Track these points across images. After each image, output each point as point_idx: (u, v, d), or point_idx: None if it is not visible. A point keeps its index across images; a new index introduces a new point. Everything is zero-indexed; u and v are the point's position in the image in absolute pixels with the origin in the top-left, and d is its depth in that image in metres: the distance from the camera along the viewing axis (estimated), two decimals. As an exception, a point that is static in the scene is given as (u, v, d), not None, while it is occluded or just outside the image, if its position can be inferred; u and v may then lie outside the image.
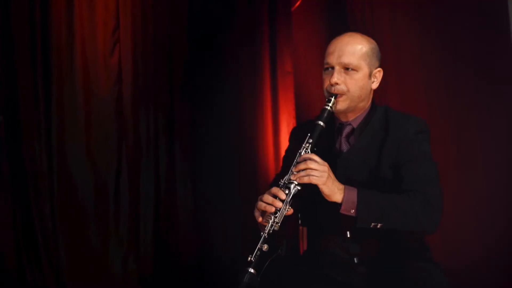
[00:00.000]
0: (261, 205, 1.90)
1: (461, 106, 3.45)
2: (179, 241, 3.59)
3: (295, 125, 3.90)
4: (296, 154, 1.94)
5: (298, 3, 4.19)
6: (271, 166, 3.82)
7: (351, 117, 2.08)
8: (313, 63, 4.02)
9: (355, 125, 2.08)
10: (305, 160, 1.90)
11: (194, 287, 3.55)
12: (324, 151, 2.01)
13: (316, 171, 1.88)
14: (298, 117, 3.96)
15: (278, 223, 1.88)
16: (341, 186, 1.91)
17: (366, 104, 2.08)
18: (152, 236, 3.51)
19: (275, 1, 4.04)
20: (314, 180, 1.88)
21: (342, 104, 2.03)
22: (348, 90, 2.02)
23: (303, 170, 1.89)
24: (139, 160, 3.53)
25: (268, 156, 3.85)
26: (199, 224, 3.64)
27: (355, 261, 2.01)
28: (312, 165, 1.89)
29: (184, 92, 3.72)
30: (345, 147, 2.07)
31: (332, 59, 2.03)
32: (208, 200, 3.66)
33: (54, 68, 3.33)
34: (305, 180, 1.89)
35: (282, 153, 3.75)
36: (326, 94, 2.03)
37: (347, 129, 2.08)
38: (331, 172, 1.92)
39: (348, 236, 1.99)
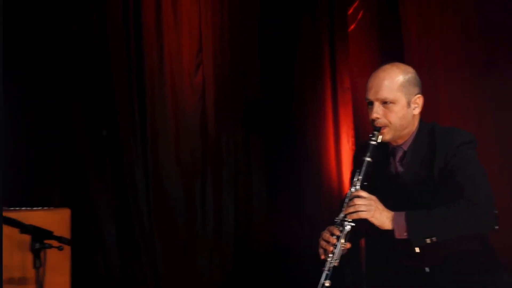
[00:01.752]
0: (321, 243, 2.07)
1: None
2: (254, 242, 4.04)
3: (353, 137, 4.30)
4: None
5: (354, 25, 4.60)
6: (334, 177, 4.20)
7: (400, 142, 2.19)
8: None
9: (405, 147, 2.18)
10: (353, 197, 2.05)
11: (268, 283, 3.98)
12: (381, 176, 2.18)
13: (363, 206, 2.02)
14: (356, 129, 4.35)
15: (337, 259, 2.03)
16: (390, 214, 2.04)
17: (411, 128, 2.18)
18: (233, 237, 3.95)
19: (334, 23, 4.43)
20: (363, 215, 2.03)
21: (386, 136, 2.14)
22: (390, 122, 2.12)
23: (352, 206, 2.03)
24: (221, 170, 3.96)
25: (330, 167, 4.23)
26: (272, 228, 4.08)
27: (427, 270, 2.16)
28: (359, 201, 2.03)
29: (257, 109, 4.15)
30: (400, 169, 2.19)
31: (370, 95, 2.13)
32: (280, 206, 4.10)
33: (147, 89, 3.79)
34: (355, 216, 2.03)
35: (344, 164, 4.19)
36: (372, 125, 2.16)
37: (399, 153, 2.20)
38: (379, 204, 2.05)
39: (418, 251, 2.07)
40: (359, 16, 4.59)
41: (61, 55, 3.67)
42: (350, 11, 4.57)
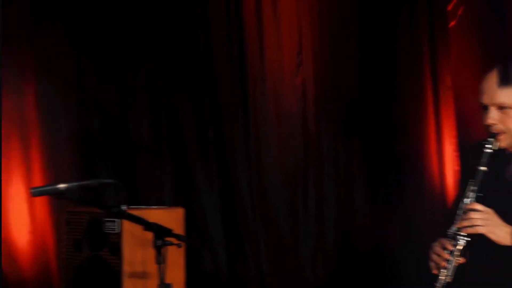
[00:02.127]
0: (433, 256, 1.95)
1: None
2: (356, 242, 4.06)
3: (456, 137, 4.22)
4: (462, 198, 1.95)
5: (454, 21, 4.49)
6: (436, 178, 4.14)
7: None
8: (471, 77, 4.29)
9: None
10: (468, 210, 1.91)
11: (369, 283, 3.98)
12: (495, 185, 1.99)
13: (480, 220, 1.88)
14: (459, 129, 4.26)
15: (451, 275, 1.92)
16: (509, 229, 1.91)
17: None
18: (335, 237, 3.98)
19: (433, 20, 4.36)
20: (480, 230, 1.89)
21: (503, 143, 1.98)
22: (508, 128, 1.96)
23: (467, 220, 1.89)
24: (322, 170, 4.00)
25: (432, 168, 4.17)
26: (373, 229, 4.08)
27: None
28: (475, 215, 1.89)
29: (357, 109, 4.16)
30: None
31: (485, 99, 1.98)
32: (381, 207, 4.09)
33: (250, 91, 3.89)
34: (470, 231, 1.90)
35: (446, 165, 4.12)
36: (487, 130, 2.00)
37: None
38: (496, 217, 1.91)
39: None
40: (459, 12, 4.49)
41: (168, 59, 3.84)
42: (450, 7, 4.47)
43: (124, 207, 2.16)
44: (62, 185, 1.91)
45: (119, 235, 2.77)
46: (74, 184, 1.94)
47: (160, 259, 2.25)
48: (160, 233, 2.28)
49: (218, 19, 3.86)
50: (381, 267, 4.00)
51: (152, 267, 2.35)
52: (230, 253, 3.77)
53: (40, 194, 1.91)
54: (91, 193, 3.21)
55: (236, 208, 3.79)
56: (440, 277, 1.93)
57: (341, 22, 4.14)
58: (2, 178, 3.43)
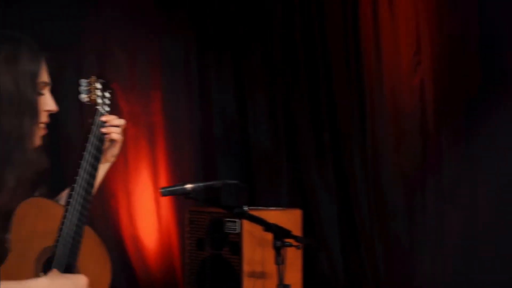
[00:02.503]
0: None
1: None
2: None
3: None
4: None
5: None
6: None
7: None
8: None
9: None
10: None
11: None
12: None
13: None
14: None
15: None
16: None
17: None
18: (454, 241, 3.84)
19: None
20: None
21: None
22: None
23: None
24: (441, 170, 3.88)
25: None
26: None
27: None
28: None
29: (476, 110, 3.99)
30: None
31: None
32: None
33: (366, 92, 3.85)
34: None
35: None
36: None
37: None
38: None
39: None
40: None
41: (285, 63, 3.92)
42: None
43: (245, 208, 2.23)
44: (189, 186, 2.02)
45: (239, 235, 2.85)
46: (200, 184, 2.03)
47: (279, 260, 2.30)
48: (280, 234, 2.33)
49: (334, 21, 3.87)
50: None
51: (271, 268, 2.41)
52: (346, 254, 3.76)
53: (169, 194, 2.02)
54: (212, 194, 3.35)
55: (352, 210, 3.77)
56: None
57: (461, 19, 4.00)
58: (131, 178, 3.67)
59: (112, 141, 1.86)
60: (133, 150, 3.69)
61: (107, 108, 1.88)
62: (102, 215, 3.61)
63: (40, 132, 1.67)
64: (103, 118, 1.82)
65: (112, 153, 1.89)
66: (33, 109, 1.62)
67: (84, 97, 1.84)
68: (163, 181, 3.72)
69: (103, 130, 1.81)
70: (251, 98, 4.01)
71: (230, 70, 4.08)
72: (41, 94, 1.67)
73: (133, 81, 3.76)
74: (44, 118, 1.68)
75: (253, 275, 2.85)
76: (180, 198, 2.06)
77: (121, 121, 1.87)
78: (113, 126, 1.84)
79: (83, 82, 1.85)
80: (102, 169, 1.89)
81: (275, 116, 3.93)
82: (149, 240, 3.69)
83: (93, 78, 1.87)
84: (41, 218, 1.65)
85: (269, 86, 3.95)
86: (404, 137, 3.87)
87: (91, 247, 1.78)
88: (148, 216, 3.69)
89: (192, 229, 3.08)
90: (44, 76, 1.67)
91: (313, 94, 3.88)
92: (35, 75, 1.63)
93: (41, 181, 1.80)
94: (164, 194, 2.01)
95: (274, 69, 3.95)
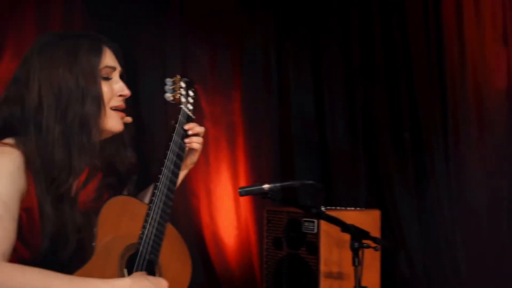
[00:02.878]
0: None
1: None
2: None
3: None
4: None
5: None
6: None
7: None
8: None
9: None
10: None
11: None
12: None
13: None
14: None
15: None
16: None
17: None
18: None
19: None
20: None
21: None
22: None
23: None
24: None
25: None
26: None
27: None
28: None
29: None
30: None
31: None
32: None
33: (449, 92, 3.72)
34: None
35: None
36: None
37: None
38: None
39: None
40: None
41: (364, 61, 3.88)
42: None
43: (323, 208, 2.23)
44: (266, 186, 2.05)
45: (316, 235, 2.86)
46: (277, 184, 2.06)
47: (357, 261, 2.28)
48: (357, 235, 2.31)
49: (415, 15, 3.77)
50: None
51: (348, 269, 2.40)
52: (426, 256, 3.66)
53: (247, 193, 2.05)
54: (289, 193, 3.37)
55: (433, 209, 3.67)
56: None
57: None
58: (212, 178, 3.75)
59: (192, 149, 1.91)
60: (214, 150, 3.77)
61: (191, 107, 1.93)
62: (184, 214, 3.70)
63: (113, 117, 1.69)
64: (186, 126, 1.86)
65: (192, 160, 1.94)
66: (95, 96, 1.65)
67: (168, 96, 1.89)
68: (242, 181, 3.78)
69: (185, 140, 1.86)
70: (329, 97, 4.00)
71: (309, 69, 4.08)
72: (108, 79, 1.70)
73: (214, 81, 3.84)
74: (116, 102, 1.71)
75: (330, 275, 2.85)
76: (258, 198, 2.09)
77: (202, 129, 1.91)
78: (195, 134, 1.88)
79: (168, 81, 1.90)
80: (181, 174, 1.92)
81: (353, 115, 3.90)
82: (229, 238, 3.76)
83: (178, 77, 1.92)
84: (126, 215, 1.70)
85: (348, 85, 3.92)
86: (488, 133, 3.73)
87: (173, 244, 1.82)
88: (228, 214, 3.76)
89: (269, 228, 3.11)
90: (108, 61, 1.70)
91: (392, 91, 3.81)
92: (95, 63, 1.66)
93: (130, 177, 1.85)
94: (242, 194, 2.04)
95: (353, 68, 3.91)
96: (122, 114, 1.74)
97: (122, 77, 1.76)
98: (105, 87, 1.68)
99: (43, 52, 1.64)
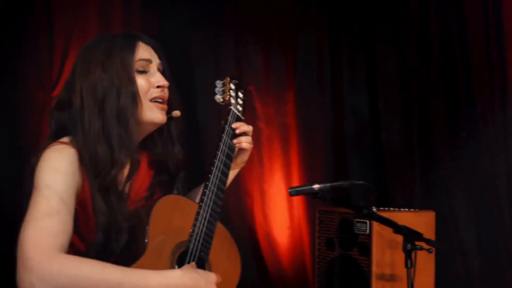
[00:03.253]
0: None
1: None
2: None
3: None
4: None
5: None
6: None
7: None
8: None
9: None
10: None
11: None
12: None
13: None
14: None
15: None
16: None
17: None
18: None
19: None
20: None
21: None
22: None
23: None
24: None
25: None
26: None
27: None
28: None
29: None
30: None
31: None
32: None
33: (509, 85, 3.60)
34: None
35: None
36: None
37: None
38: None
39: None
40: None
41: (421, 63, 3.81)
42: None
43: (374, 209, 2.22)
44: (316, 186, 2.06)
45: (369, 236, 2.84)
46: (327, 184, 2.06)
47: (410, 263, 2.25)
48: (410, 236, 2.28)
49: (475, 14, 3.66)
50: None
51: (401, 271, 2.37)
52: (483, 258, 3.56)
53: (297, 193, 2.07)
54: (342, 194, 3.36)
55: (492, 210, 3.56)
56: None
57: None
58: (266, 178, 3.78)
59: (242, 149, 1.96)
60: (267, 151, 3.80)
61: (240, 108, 1.98)
62: (238, 213, 3.74)
63: (152, 109, 1.76)
64: (233, 125, 1.91)
65: (242, 159, 1.99)
66: (129, 89, 1.71)
67: (218, 97, 1.95)
68: (295, 181, 3.79)
69: (234, 141, 1.91)
70: (383, 97, 3.95)
71: (363, 69, 4.05)
72: (144, 72, 1.77)
73: (267, 83, 3.86)
74: (154, 94, 1.77)
75: (382, 277, 2.82)
76: (311, 198, 2.11)
77: (249, 128, 1.96)
78: (243, 133, 1.93)
79: (218, 83, 1.95)
80: (232, 173, 1.97)
81: (408, 115, 3.83)
82: (282, 237, 3.78)
83: (228, 79, 1.97)
84: (176, 214, 1.75)
85: (403, 85, 3.86)
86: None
87: (223, 243, 1.86)
88: (281, 214, 3.78)
89: (321, 228, 3.11)
90: (142, 55, 1.76)
91: (449, 91, 3.72)
92: (128, 58, 1.74)
93: (178, 173, 1.91)
94: (292, 194, 2.06)
95: (408, 68, 3.85)
96: (163, 105, 1.80)
97: (163, 72, 1.82)
98: (141, 80, 1.75)
99: (84, 56, 1.75)
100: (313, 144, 3.89)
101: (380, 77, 3.98)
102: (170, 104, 1.82)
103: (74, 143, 1.66)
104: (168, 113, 1.83)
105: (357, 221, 2.89)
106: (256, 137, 3.74)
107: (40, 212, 1.52)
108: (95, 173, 1.66)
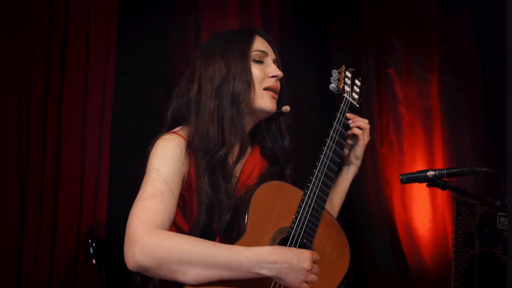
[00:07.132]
0: None
1: None
2: None
3: None
4: None
5: None
6: None
7: None
8: None
9: None
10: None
11: None
12: None
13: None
14: None
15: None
16: None
17: None
18: None
19: None
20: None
21: None
22: None
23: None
24: None
25: None
26: None
27: None
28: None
29: None
30: None
31: None
32: None
33: None
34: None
35: None
36: None
37: None
38: None
39: None
40: None
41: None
42: None
43: (506, 200, 1.96)
44: (431, 172, 1.90)
45: (514, 232, 2.51)
46: (443, 171, 1.88)
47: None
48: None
49: None
50: None
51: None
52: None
53: (409, 181, 1.92)
54: (481, 182, 3.02)
55: None
56: None
57: None
58: (406, 166, 3.54)
59: (355, 138, 1.95)
60: (408, 137, 3.57)
61: (356, 96, 1.97)
62: (376, 202, 3.63)
63: (264, 97, 1.84)
64: (348, 115, 1.92)
65: (355, 154, 1.99)
66: (244, 76, 1.81)
67: (333, 86, 1.95)
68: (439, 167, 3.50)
69: (349, 122, 1.92)
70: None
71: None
72: (260, 62, 1.87)
73: (408, 64, 3.62)
74: (268, 83, 1.85)
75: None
76: (428, 186, 1.93)
77: (365, 124, 1.95)
78: (357, 127, 1.94)
79: (334, 72, 1.96)
80: (347, 174, 2.01)
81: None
82: (423, 230, 3.53)
83: (343, 67, 1.97)
84: (279, 200, 1.75)
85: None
86: None
87: (329, 233, 1.82)
88: (422, 205, 3.53)
89: (460, 221, 2.83)
90: (258, 46, 1.87)
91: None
92: (245, 47, 1.84)
93: (287, 165, 1.96)
94: (403, 182, 1.93)
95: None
96: (274, 94, 1.87)
97: (278, 66, 1.91)
98: (256, 69, 1.85)
99: (205, 48, 1.88)
100: (460, 129, 3.56)
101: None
102: (280, 96, 1.90)
103: (186, 132, 1.79)
104: (279, 106, 1.89)
105: (501, 215, 2.58)
106: (396, 123, 3.54)
107: (147, 193, 1.64)
108: (204, 152, 1.74)
